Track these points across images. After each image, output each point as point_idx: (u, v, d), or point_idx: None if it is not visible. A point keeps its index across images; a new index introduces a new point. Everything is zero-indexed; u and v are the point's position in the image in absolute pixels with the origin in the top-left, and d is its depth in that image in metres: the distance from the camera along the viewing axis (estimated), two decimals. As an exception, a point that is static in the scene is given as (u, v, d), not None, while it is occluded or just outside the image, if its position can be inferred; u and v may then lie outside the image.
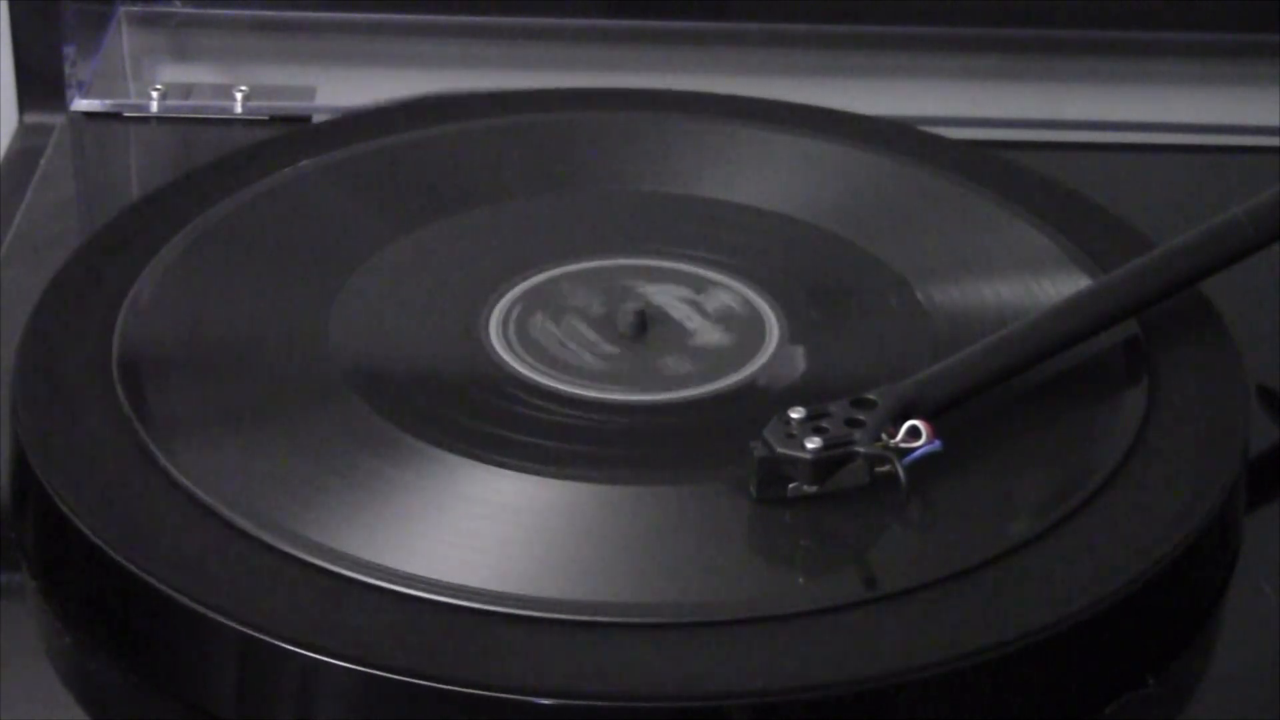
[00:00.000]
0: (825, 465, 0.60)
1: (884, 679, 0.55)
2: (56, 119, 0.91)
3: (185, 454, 0.62)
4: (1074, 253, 0.73)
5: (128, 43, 0.97)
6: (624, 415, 0.66)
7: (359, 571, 0.57)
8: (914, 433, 0.61)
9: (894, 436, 0.61)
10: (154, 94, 0.92)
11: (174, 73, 0.97)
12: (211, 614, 0.56)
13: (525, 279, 0.72)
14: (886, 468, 0.60)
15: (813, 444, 0.60)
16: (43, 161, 0.87)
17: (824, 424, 0.61)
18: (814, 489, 0.61)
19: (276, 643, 0.55)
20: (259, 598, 0.57)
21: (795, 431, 0.61)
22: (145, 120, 0.92)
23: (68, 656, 0.60)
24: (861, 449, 0.60)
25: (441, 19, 0.98)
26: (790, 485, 0.61)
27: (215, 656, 0.57)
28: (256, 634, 0.56)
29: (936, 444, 0.61)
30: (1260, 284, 0.77)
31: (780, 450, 0.60)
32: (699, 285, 0.73)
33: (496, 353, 0.68)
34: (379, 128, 0.82)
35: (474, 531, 0.60)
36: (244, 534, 0.59)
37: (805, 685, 0.55)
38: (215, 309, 0.71)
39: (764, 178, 0.79)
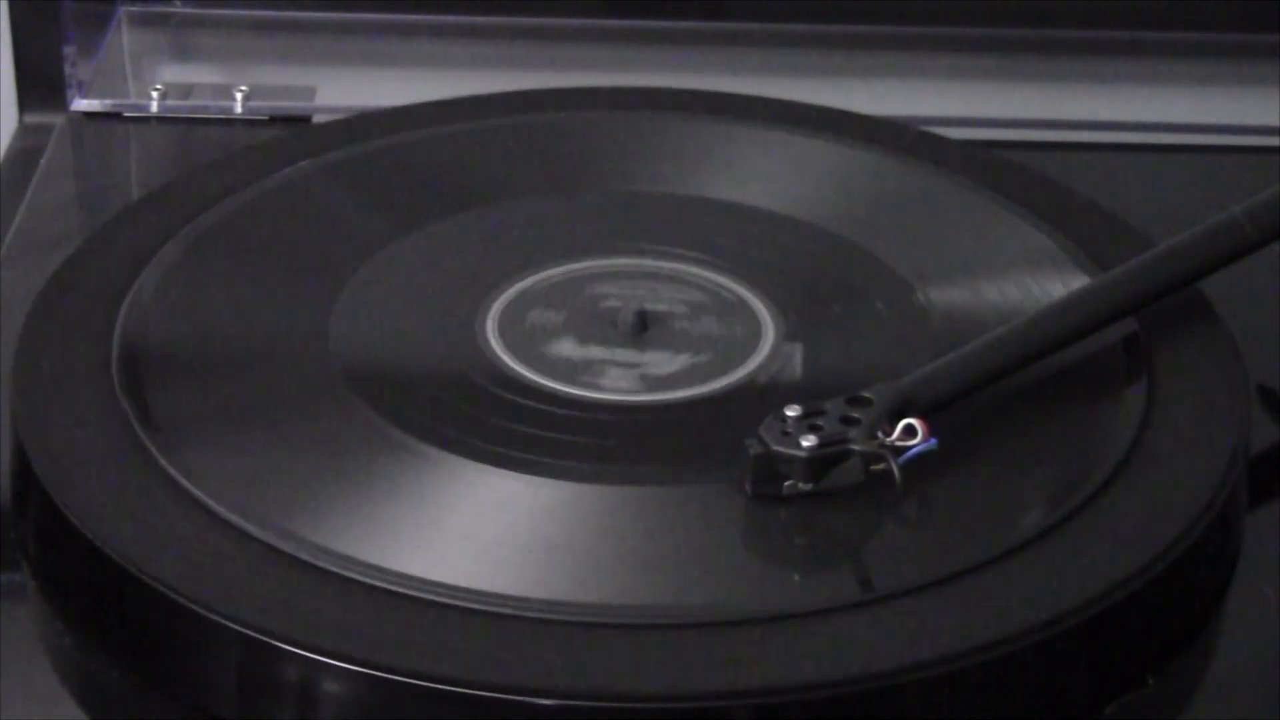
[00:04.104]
0: (820, 463, 0.60)
1: (884, 679, 0.55)
2: (56, 119, 0.91)
3: (185, 454, 0.62)
4: (1074, 253, 0.73)
5: (128, 43, 0.97)
6: (623, 415, 0.66)
7: (359, 572, 0.57)
8: (910, 431, 0.61)
9: (890, 434, 0.61)
10: (154, 94, 0.92)
11: (174, 73, 0.97)
12: (211, 614, 0.56)
13: (525, 279, 0.73)
14: (882, 465, 0.60)
15: (808, 442, 0.60)
16: (43, 161, 0.87)
17: (819, 422, 0.61)
18: (809, 486, 0.61)
19: (276, 643, 0.55)
20: (259, 598, 0.57)
21: (791, 429, 0.61)
22: (145, 120, 0.92)
23: (68, 656, 0.60)
24: (857, 447, 0.60)
25: (441, 19, 0.98)
26: (785, 483, 0.61)
27: (215, 656, 0.57)
28: (256, 634, 0.56)
29: (932, 442, 0.61)
30: (1260, 284, 0.77)
31: (776, 448, 0.60)
32: (698, 285, 0.73)
33: (496, 353, 0.68)
34: (379, 128, 0.82)
35: (473, 532, 0.60)
36: (244, 534, 0.59)
37: (805, 685, 0.55)
38: (215, 309, 0.71)
39: (764, 178, 0.79)
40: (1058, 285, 0.71)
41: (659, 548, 0.60)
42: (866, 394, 0.62)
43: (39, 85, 0.92)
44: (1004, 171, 0.80)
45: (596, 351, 0.69)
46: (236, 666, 0.57)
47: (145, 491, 0.61)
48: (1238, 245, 0.70)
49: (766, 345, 0.69)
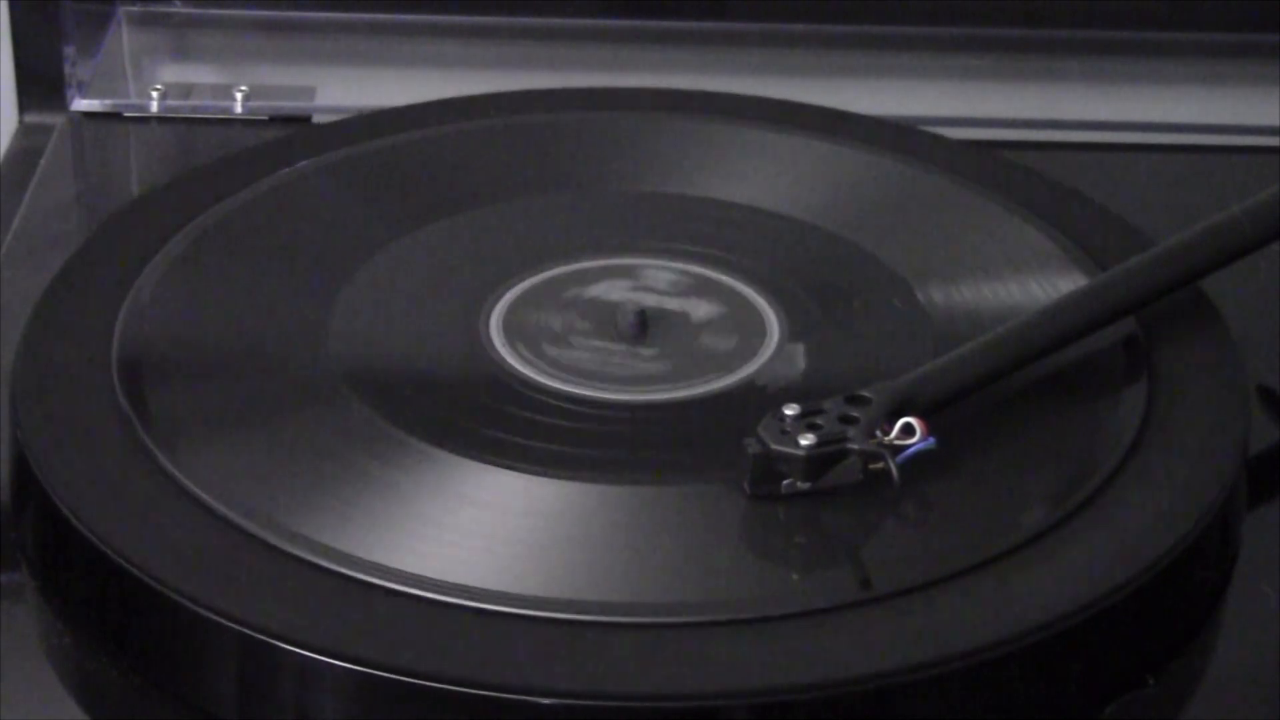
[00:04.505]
0: (819, 462, 0.60)
1: (883, 679, 0.55)
2: (56, 119, 0.91)
3: (185, 454, 0.62)
4: (1074, 253, 0.73)
5: (128, 43, 0.98)
6: (624, 415, 0.66)
7: (359, 571, 0.57)
8: (908, 430, 0.61)
9: (888, 433, 0.61)
10: (154, 94, 0.92)
11: (174, 73, 0.97)
12: (211, 614, 0.56)
13: (525, 279, 0.73)
14: (880, 465, 0.60)
15: (807, 440, 0.60)
16: (43, 161, 0.87)
17: (818, 421, 0.61)
18: (808, 485, 0.61)
19: (276, 643, 0.55)
20: (259, 598, 0.57)
21: (789, 428, 0.61)
22: (145, 120, 0.92)
23: (68, 656, 0.60)
24: (855, 446, 0.60)
25: (441, 19, 0.98)
26: (784, 482, 0.61)
27: (215, 656, 0.57)
28: (256, 634, 0.56)
29: (930, 441, 0.61)
30: (1260, 284, 0.77)
31: (774, 447, 0.60)
32: (699, 285, 0.73)
33: (497, 352, 0.68)
34: (379, 128, 0.82)
35: (473, 531, 0.60)
36: (244, 534, 0.59)
37: (805, 685, 0.55)
38: (215, 309, 0.71)
39: (764, 178, 0.79)
40: (1058, 285, 0.71)
41: (659, 547, 0.60)
42: (865, 393, 0.62)
43: (39, 85, 0.92)
44: (1004, 171, 0.80)
45: (597, 351, 0.69)
46: (236, 666, 0.57)
47: (145, 491, 0.61)
48: (1238, 245, 0.70)
49: (767, 345, 0.69)
